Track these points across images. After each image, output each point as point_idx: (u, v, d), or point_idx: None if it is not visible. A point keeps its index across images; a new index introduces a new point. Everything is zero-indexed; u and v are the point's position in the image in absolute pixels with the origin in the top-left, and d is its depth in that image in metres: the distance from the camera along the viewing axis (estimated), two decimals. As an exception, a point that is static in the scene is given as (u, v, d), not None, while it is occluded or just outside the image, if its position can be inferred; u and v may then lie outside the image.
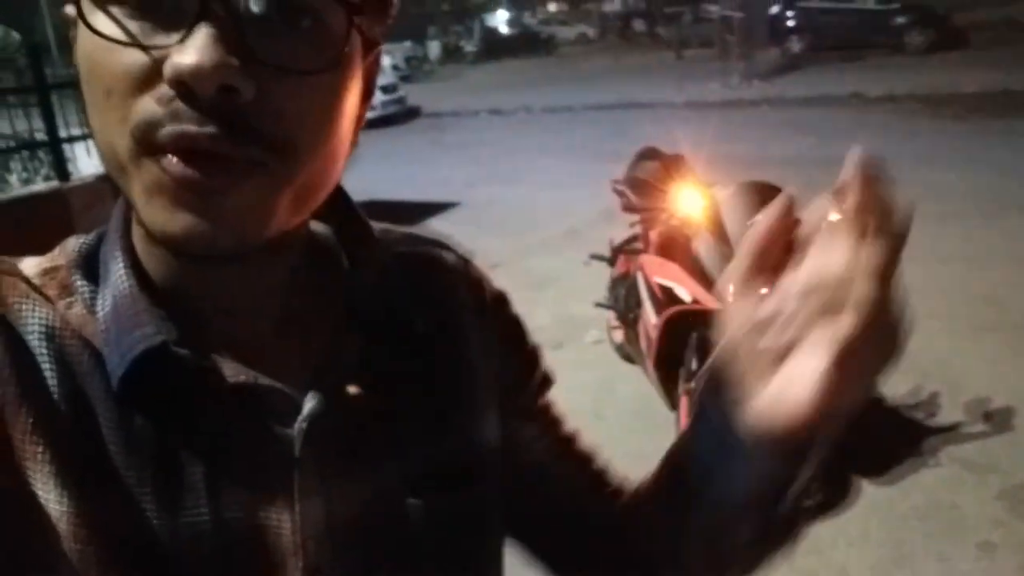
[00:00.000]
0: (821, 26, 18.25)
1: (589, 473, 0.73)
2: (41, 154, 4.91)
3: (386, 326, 0.57)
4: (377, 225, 0.62)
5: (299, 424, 0.51)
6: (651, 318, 3.16)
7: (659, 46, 25.97)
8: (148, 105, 0.42)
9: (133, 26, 0.42)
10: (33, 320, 0.50)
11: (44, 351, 0.49)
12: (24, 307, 0.50)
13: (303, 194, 0.47)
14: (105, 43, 0.42)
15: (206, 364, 0.50)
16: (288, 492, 0.52)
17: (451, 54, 31.57)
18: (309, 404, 0.52)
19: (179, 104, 0.41)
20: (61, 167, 4.69)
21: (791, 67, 16.63)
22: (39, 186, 4.54)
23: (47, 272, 0.53)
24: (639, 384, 3.64)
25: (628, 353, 3.88)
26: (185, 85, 0.40)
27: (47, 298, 0.51)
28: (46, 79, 4.80)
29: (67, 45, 0.47)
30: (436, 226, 7.22)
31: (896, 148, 8.91)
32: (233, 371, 0.50)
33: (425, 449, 0.58)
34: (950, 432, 3.25)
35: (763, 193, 2.85)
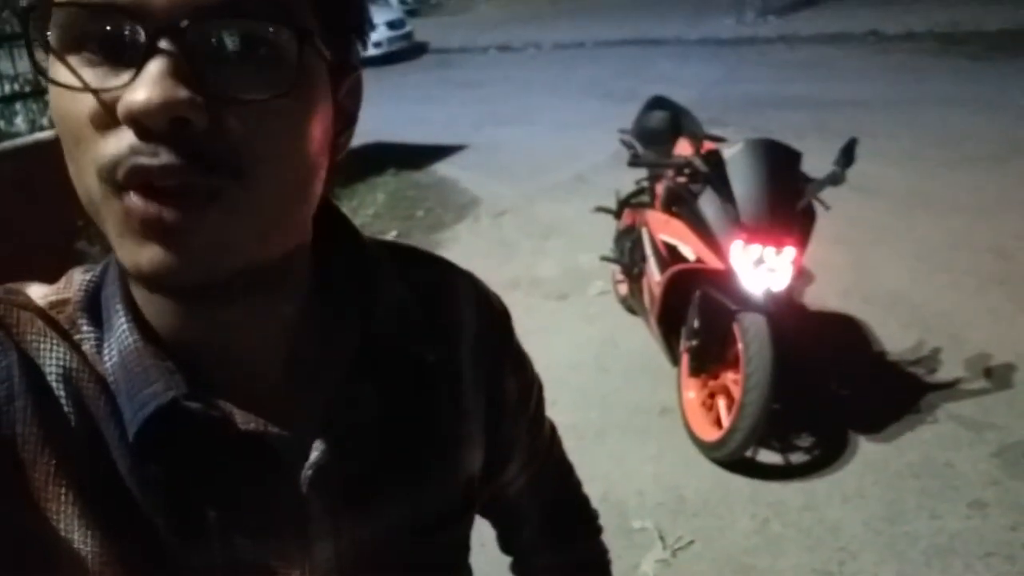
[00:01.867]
0: (841, -43, 17.69)
1: (550, 525, 0.82)
2: (47, 98, 4.88)
3: (397, 365, 0.57)
4: (381, 242, 0.62)
5: (306, 471, 0.53)
6: (655, 275, 3.17)
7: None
8: (110, 145, 0.42)
9: (91, 73, 0.42)
10: (52, 360, 0.50)
11: (62, 392, 0.50)
12: (43, 346, 0.51)
13: (269, 222, 0.47)
14: (68, 92, 0.43)
15: (217, 415, 0.50)
16: (297, 536, 0.54)
17: (460, -15, 30.79)
18: (316, 451, 0.53)
19: (136, 141, 0.42)
20: (66, 112, 4.66)
21: (807, 2, 16.17)
22: (45, 134, 4.51)
23: (55, 306, 0.53)
24: (643, 338, 3.66)
25: (632, 306, 3.90)
26: (138, 122, 0.41)
27: (61, 334, 0.52)
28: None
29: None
30: (443, 171, 7.17)
31: (913, 89, 8.76)
32: (244, 419, 0.51)
33: (428, 490, 0.60)
34: (949, 388, 3.27)
35: (770, 151, 2.82)
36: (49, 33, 0.43)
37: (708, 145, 2.98)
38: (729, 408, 2.81)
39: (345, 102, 0.51)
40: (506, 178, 6.75)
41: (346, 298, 0.58)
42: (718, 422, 2.88)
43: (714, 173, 2.78)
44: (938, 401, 3.19)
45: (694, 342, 2.91)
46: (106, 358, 0.51)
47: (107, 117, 0.42)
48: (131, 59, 0.41)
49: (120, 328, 0.51)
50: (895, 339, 3.68)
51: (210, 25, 0.42)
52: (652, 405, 3.30)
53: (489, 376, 0.67)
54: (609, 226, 4.20)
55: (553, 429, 0.83)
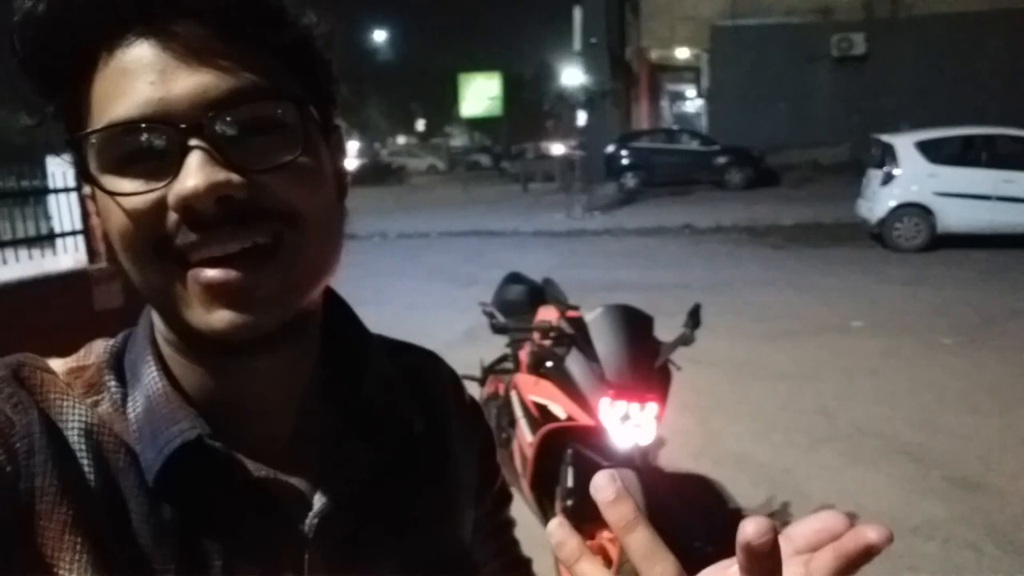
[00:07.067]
0: (653, 164, 19.93)
1: None
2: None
3: (388, 428, 0.62)
4: (374, 334, 0.68)
5: (310, 520, 0.56)
6: (527, 436, 3.21)
7: (505, 179, 27.27)
8: (165, 231, 0.49)
9: (132, 182, 0.49)
10: (73, 417, 0.53)
11: (83, 447, 0.52)
12: (65, 404, 0.54)
13: (320, 261, 0.55)
14: (119, 200, 0.50)
15: (233, 458, 0.54)
16: None
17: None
18: (319, 502, 0.56)
19: (187, 223, 0.49)
20: None
21: (627, 200, 17.90)
22: None
23: (73, 371, 0.57)
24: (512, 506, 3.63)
25: (499, 474, 3.88)
26: (189, 207, 0.48)
27: (79, 396, 0.55)
28: None
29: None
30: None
31: (727, 273, 9.72)
32: (256, 467, 0.55)
33: (421, 544, 0.62)
34: (803, 538, 3.44)
35: (627, 315, 3.04)
36: (91, 153, 0.50)
37: (569, 312, 3.16)
38: (607, 568, 2.80)
39: (336, 155, 0.59)
40: (358, 358, 6.71)
41: (342, 365, 0.63)
42: (596, 584, 2.85)
43: (579, 335, 2.94)
44: (795, 551, 3.33)
45: (569, 502, 2.93)
46: (130, 409, 0.55)
47: (158, 211, 0.49)
48: (168, 162, 0.49)
49: (149, 376, 0.55)
50: (747, 496, 3.87)
51: (226, 114, 0.50)
52: None
53: (476, 455, 0.72)
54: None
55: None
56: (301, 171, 0.52)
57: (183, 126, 0.48)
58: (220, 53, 0.50)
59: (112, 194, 0.49)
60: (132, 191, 0.49)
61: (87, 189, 0.54)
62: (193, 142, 0.48)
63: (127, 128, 0.49)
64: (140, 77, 0.49)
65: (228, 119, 0.50)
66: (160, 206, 0.49)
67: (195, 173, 0.47)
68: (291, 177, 0.51)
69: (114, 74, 0.50)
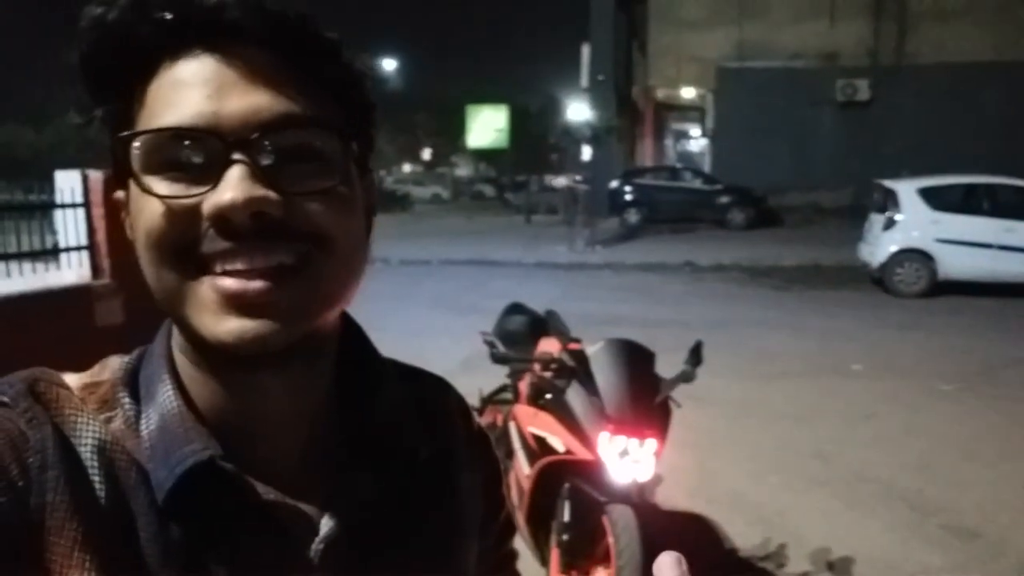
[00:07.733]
0: (655, 201, 20.02)
1: None
2: None
3: (396, 454, 0.62)
4: (385, 359, 0.68)
5: (316, 545, 0.56)
6: (524, 468, 3.20)
7: (508, 210, 27.36)
8: (193, 237, 0.50)
9: (170, 186, 0.51)
10: (87, 433, 0.53)
11: (95, 464, 0.52)
12: (80, 420, 0.54)
13: (340, 287, 0.55)
14: (154, 202, 0.51)
15: (244, 480, 0.54)
16: None
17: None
18: (326, 527, 0.56)
19: (219, 233, 0.50)
20: None
21: (629, 236, 17.95)
22: None
23: (87, 387, 0.57)
24: (506, 537, 3.60)
25: (494, 506, 3.85)
26: (223, 218, 0.49)
27: (93, 412, 0.55)
28: None
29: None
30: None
31: (727, 312, 9.71)
32: (265, 489, 0.55)
33: (425, 573, 0.62)
34: (799, 582, 3.41)
35: (628, 350, 3.04)
36: (135, 154, 0.51)
37: (571, 344, 3.16)
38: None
39: (367, 195, 0.60)
40: (356, 383, 6.68)
41: (354, 389, 0.64)
42: (590, 621, 2.82)
43: (580, 368, 2.94)
44: (791, 595, 3.31)
45: (564, 536, 2.90)
46: (143, 427, 0.55)
47: (191, 217, 0.50)
48: (208, 172, 0.50)
49: (164, 395, 0.56)
50: (743, 536, 3.84)
51: (272, 136, 0.51)
52: (518, 609, 3.19)
53: (482, 485, 0.72)
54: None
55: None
56: (337, 199, 0.53)
57: (230, 140, 0.50)
58: (276, 78, 0.52)
59: (152, 194, 0.50)
60: (171, 194, 0.50)
61: (120, 193, 0.55)
62: (237, 156, 0.50)
63: (175, 134, 0.50)
64: (196, 89, 0.51)
65: (275, 140, 0.51)
66: (194, 213, 0.50)
67: (235, 186, 0.49)
68: (327, 203, 0.53)
69: (171, 83, 0.52)
